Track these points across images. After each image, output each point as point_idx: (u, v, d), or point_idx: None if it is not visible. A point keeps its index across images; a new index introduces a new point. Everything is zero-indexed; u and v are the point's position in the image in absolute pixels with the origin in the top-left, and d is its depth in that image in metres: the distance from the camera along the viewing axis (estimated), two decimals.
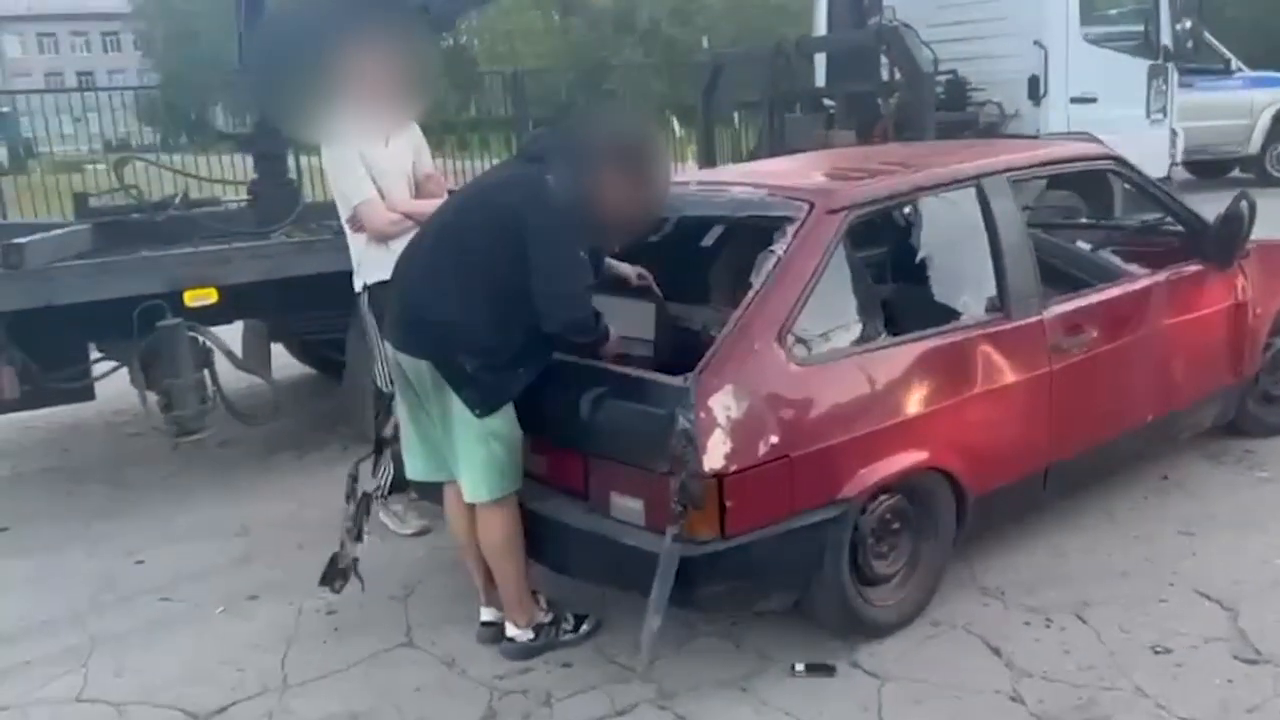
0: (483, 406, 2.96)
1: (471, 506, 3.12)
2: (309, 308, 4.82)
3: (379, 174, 3.81)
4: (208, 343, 4.50)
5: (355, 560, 3.37)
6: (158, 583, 3.90)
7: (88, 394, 4.75)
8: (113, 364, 4.63)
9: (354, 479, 3.41)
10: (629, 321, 3.36)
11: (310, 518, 4.32)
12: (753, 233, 3.44)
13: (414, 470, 3.29)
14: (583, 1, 29.89)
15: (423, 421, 3.17)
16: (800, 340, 3.02)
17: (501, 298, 2.91)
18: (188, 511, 4.58)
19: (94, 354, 4.67)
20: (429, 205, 3.84)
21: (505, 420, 3.02)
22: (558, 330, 2.94)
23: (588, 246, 2.95)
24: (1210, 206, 4.28)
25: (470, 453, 3.02)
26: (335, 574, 3.36)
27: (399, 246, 3.67)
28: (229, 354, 4.66)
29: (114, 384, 4.74)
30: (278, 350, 5.54)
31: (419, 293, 3.06)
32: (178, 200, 5.55)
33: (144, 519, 4.52)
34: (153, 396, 4.43)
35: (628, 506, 2.91)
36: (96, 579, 3.97)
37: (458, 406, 2.99)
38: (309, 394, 6.08)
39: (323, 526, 4.15)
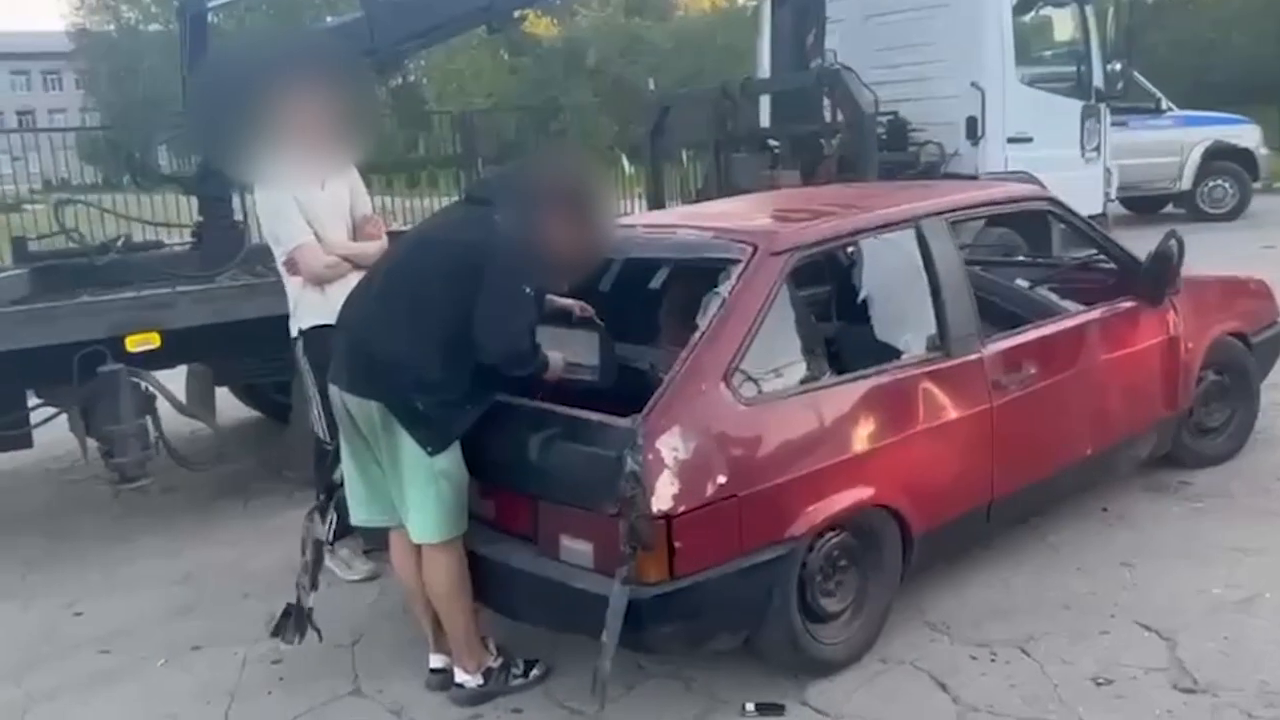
0: (434, 444, 2.97)
1: (418, 552, 3.10)
2: (255, 351, 4.76)
3: (314, 217, 3.81)
4: (150, 388, 4.43)
5: (310, 610, 3.32)
6: (97, 634, 3.81)
7: (25, 442, 4.65)
8: (52, 411, 4.55)
9: (309, 527, 3.38)
10: (573, 350, 3.39)
11: (255, 565, 4.26)
12: (699, 274, 3.48)
13: (358, 515, 3.26)
14: (532, 41, 30.10)
15: (367, 465, 3.15)
16: (747, 380, 3.06)
17: (453, 336, 2.93)
18: (129, 561, 4.49)
19: (32, 400, 4.59)
20: (366, 248, 3.85)
21: (453, 460, 3.02)
22: (495, 362, 2.95)
23: (535, 284, 2.98)
24: (1146, 241, 4.39)
25: (419, 494, 3.01)
26: (291, 625, 3.30)
27: (334, 291, 3.68)
28: (172, 399, 4.60)
29: (52, 430, 4.65)
30: (222, 394, 5.47)
31: (368, 333, 3.06)
32: (120, 243, 5.48)
33: (83, 569, 4.43)
34: (93, 443, 4.35)
35: (577, 549, 2.90)
36: (34, 632, 3.88)
37: (407, 447, 2.98)
38: (254, 438, 6.00)
39: (268, 574, 4.11)
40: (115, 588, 4.22)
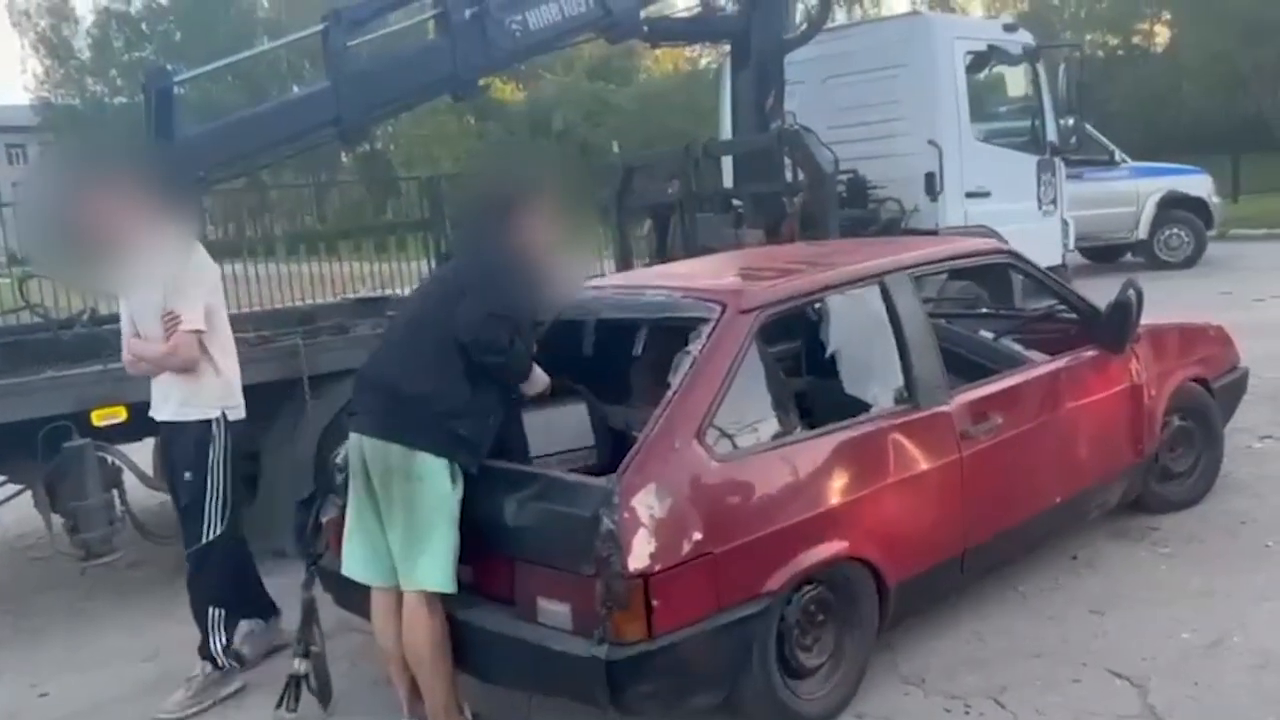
0: (474, 462, 3.09)
1: (399, 616, 3.11)
2: None
3: (135, 314, 3.78)
4: (116, 462, 4.38)
5: (308, 676, 3.42)
6: (62, 715, 3.74)
7: None
8: (16, 488, 4.48)
9: (308, 599, 3.45)
10: (565, 430, 3.39)
11: None
12: (670, 333, 3.52)
13: (351, 569, 3.27)
14: (498, 105, 30.44)
15: (368, 521, 3.19)
16: (720, 437, 3.08)
17: (472, 363, 3.07)
18: (95, 638, 4.40)
19: None
20: (145, 350, 3.72)
21: (458, 509, 3.08)
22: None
23: (525, 290, 3.16)
24: (1106, 290, 4.46)
25: (439, 538, 3.05)
26: (291, 696, 3.41)
27: (157, 386, 3.77)
28: (138, 473, 4.54)
29: (16, 506, 4.58)
30: None
31: (395, 379, 3.16)
32: (85, 317, 5.44)
33: (48, 648, 4.34)
34: (58, 519, 4.28)
35: (555, 611, 2.90)
36: None
37: (426, 491, 3.03)
38: None
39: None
40: (81, 666, 4.14)
